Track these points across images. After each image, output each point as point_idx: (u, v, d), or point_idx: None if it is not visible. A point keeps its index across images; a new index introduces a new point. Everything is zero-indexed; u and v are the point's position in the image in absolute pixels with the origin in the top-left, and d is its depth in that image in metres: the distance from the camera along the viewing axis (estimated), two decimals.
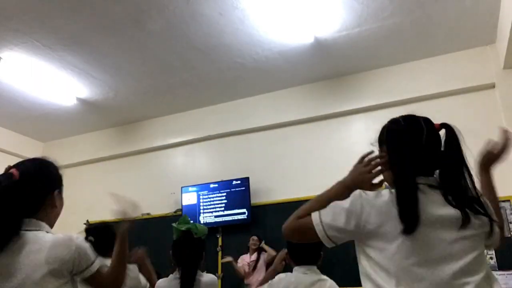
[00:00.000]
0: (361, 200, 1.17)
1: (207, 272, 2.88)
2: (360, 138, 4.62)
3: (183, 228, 2.27)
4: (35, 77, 4.53)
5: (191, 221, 2.32)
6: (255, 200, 4.82)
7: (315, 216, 1.20)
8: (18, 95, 4.90)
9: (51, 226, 1.46)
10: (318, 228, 1.18)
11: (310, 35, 3.97)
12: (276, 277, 2.01)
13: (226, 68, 4.54)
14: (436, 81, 4.35)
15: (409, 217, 1.11)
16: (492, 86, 4.16)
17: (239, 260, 4.44)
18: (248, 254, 4.46)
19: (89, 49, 4.10)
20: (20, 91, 4.83)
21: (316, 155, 4.77)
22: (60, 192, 1.52)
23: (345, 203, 1.18)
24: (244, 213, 4.79)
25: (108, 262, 2.07)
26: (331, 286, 1.94)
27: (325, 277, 1.98)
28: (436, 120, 1.29)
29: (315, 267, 1.99)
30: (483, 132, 3.90)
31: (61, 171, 1.53)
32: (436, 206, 1.16)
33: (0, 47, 3.98)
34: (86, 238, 2.26)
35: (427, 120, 1.27)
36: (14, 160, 1.46)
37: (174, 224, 2.35)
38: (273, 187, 4.85)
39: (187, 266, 2.16)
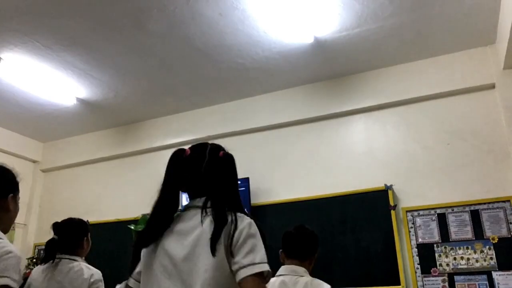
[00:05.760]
0: None
1: None
2: (360, 138, 4.63)
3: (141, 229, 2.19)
4: (35, 77, 4.53)
5: None
6: (255, 200, 4.81)
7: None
8: (18, 95, 4.91)
9: (5, 231, 1.47)
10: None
11: (310, 35, 3.97)
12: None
13: (226, 68, 4.54)
14: (436, 81, 4.34)
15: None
16: (492, 86, 4.15)
17: None
18: None
19: (89, 49, 4.10)
20: (20, 91, 4.83)
21: (316, 155, 4.77)
22: (15, 197, 1.52)
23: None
24: None
25: (76, 259, 2.05)
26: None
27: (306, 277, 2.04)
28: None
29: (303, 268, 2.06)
30: (483, 132, 3.93)
31: (18, 179, 1.55)
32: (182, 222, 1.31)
33: (0, 47, 3.99)
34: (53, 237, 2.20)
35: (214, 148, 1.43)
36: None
37: (131, 226, 2.18)
38: (273, 187, 4.84)
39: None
